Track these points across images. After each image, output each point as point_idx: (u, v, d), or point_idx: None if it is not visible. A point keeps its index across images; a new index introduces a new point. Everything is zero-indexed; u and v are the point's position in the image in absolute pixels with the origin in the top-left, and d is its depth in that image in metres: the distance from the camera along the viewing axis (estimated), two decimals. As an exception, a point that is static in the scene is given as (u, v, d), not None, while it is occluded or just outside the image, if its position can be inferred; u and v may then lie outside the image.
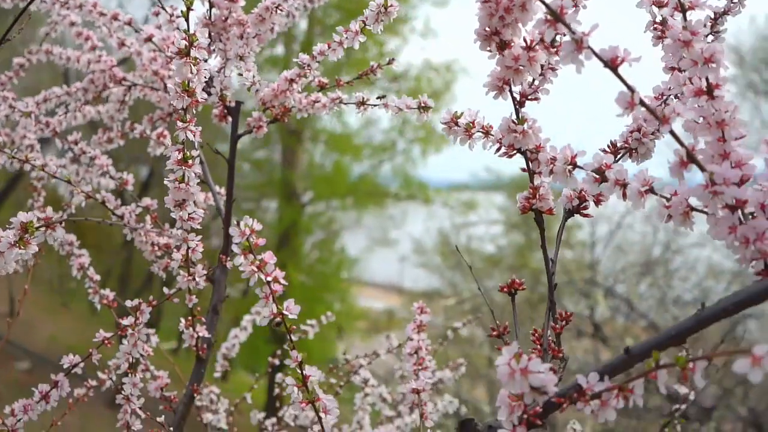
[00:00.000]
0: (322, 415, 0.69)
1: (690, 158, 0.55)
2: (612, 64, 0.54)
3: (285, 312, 0.68)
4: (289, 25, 1.27)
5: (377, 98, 1.00)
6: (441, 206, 11.46)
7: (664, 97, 0.73)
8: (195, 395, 1.05)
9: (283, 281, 0.68)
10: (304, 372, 0.70)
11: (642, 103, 0.54)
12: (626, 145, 0.73)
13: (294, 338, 0.71)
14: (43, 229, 0.69)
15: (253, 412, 1.51)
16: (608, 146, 0.74)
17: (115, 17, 1.17)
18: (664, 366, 0.50)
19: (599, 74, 0.57)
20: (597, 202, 0.72)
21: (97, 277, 1.16)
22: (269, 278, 0.67)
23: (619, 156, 0.74)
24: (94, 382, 1.20)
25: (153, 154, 1.28)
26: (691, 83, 0.59)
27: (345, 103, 1.03)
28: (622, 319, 7.16)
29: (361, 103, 1.01)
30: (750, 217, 0.56)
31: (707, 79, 0.57)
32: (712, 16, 0.75)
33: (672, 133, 0.54)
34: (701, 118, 0.59)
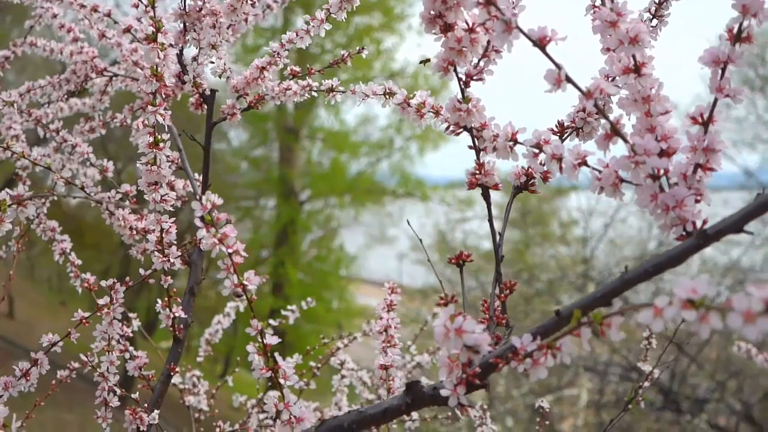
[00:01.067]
0: (281, 380, 0.73)
1: (614, 131, 0.58)
2: (540, 43, 0.57)
3: (246, 283, 0.71)
4: (269, 17, 1.30)
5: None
6: (438, 203, 11.51)
7: (609, 79, 0.77)
8: (172, 374, 1.08)
9: (243, 253, 0.71)
10: (265, 341, 0.73)
11: (568, 79, 0.57)
12: (572, 125, 0.77)
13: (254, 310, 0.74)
14: (14, 206, 0.73)
15: (235, 395, 1.55)
16: (555, 126, 0.77)
17: (94, 9, 1.20)
18: (586, 323, 0.54)
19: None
20: (545, 179, 0.75)
21: (79, 262, 1.19)
22: (231, 250, 0.70)
23: (566, 135, 0.77)
24: (76, 364, 1.23)
25: (135, 143, 1.31)
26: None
27: (315, 91, 1.07)
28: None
29: (330, 90, 1.05)
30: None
31: (634, 57, 0.61)
32: (657, 0, 0.79)
33: (597, 107, 0.58)
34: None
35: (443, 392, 0.62)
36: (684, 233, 0.57)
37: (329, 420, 0.67)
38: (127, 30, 1.14)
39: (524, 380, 6.20)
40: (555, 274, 7.84)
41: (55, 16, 1.31)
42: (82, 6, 1.23)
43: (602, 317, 0.52)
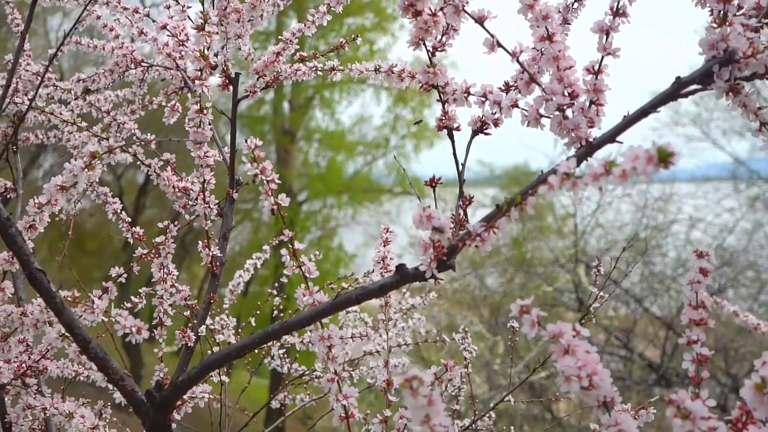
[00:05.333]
0: (306, 275, 0.99)
1: (531, 79, 0.85)
2: (480, 20, 0.84)
3: (280, 202, 0.97)
4: (276, 12, 1.57)
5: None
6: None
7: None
8: (212, 301, 1.34)
9: (277, 181, 0.97)
10: (294, 246, 1.00)
11: (499, 44, 0.84)
12: (515, 84, 1.03)
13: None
14: (107, 154, 0.99)
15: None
16: (503, 84, 1.04)
17: (135, 11, 1.47)
18: (511, 205, 0.80)
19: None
20: (495, 124, 1.02)
21: (129, 219, 1.45)
22: (268, 179, 0.97)
23: (511, 91, 1.03)
24: (128, 304, 1.49)
25: (167, 123, 1.58)
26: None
27: (320, 71, 1.33)
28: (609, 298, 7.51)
29: (332, 69, 1.32)
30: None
31: (547, 29, 0.87)
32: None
33: (519, 63, 0.84)
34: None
35: (421, 267, 0.89)
36: (580, 146, 0.84)
37: (342, 294, 0.93)
38: (164, 27, 1.41)
39: (518, 360, 6.46)
40: (550, 262, 8.14)
41: (99, 17, 1.58)
42: (125, 8, 1.49)
43: (521, 199, 0.78)
